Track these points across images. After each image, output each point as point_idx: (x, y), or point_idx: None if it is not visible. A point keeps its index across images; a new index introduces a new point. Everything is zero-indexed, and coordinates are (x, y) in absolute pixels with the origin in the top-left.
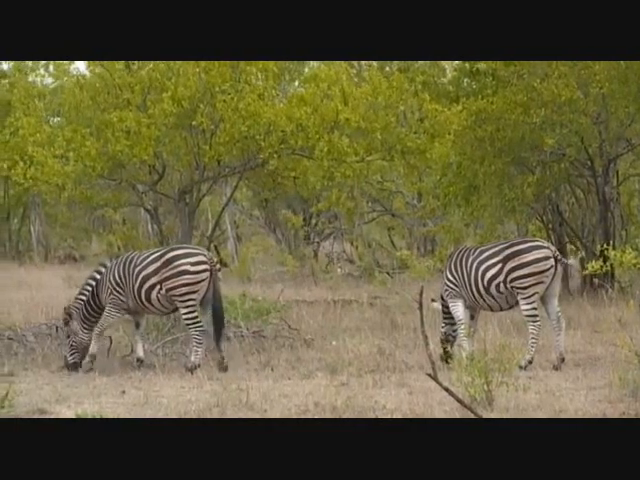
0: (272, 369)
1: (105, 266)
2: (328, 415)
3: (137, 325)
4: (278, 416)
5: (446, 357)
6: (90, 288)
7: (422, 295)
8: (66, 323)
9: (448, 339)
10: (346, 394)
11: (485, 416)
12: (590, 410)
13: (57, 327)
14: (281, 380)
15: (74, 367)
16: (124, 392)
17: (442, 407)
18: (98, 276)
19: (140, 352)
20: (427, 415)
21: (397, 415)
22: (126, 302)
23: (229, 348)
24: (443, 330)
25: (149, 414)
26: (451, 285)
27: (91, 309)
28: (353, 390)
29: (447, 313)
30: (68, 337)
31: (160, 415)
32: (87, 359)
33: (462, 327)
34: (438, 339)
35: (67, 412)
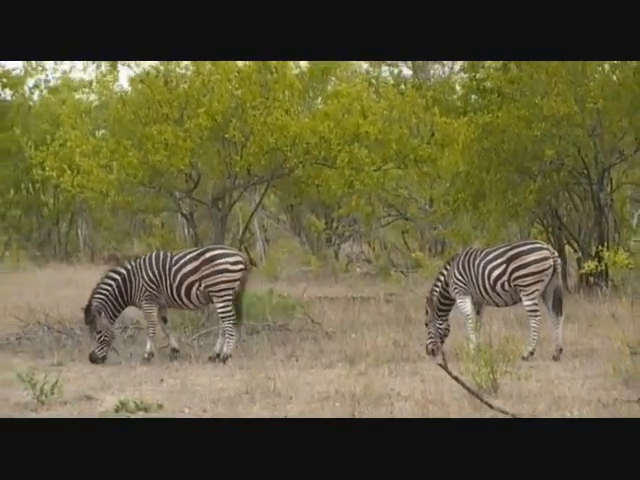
0: (297, 359)
1: (125, 267)
2: (348, 401)
3: (164, 320)
4: (302, 402)
5: (429, 350)
6: (109, 287)
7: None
8: (91, 321)
9: (437, 334)
10: (364, 382)
11: (491, 402)
12: (586, 397)
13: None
14: (305, 369)
15: (102, 360)
16: (162, 380)
17: (452, 394)
18: (116, 276)
19: (174, 343)
20: (437, 401)
21: (410, 401)
22: (159, 298)
23: (258, 340)
24: (431, 326)
25: (185, 400)
26: (460, 283)
27: (118, 305)
28: (370, 378)
29: (440, 310)
30: (99, 333)
31: (195, 401)
32: (145, 355)
33: (470, 321)
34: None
35: (110, 399)
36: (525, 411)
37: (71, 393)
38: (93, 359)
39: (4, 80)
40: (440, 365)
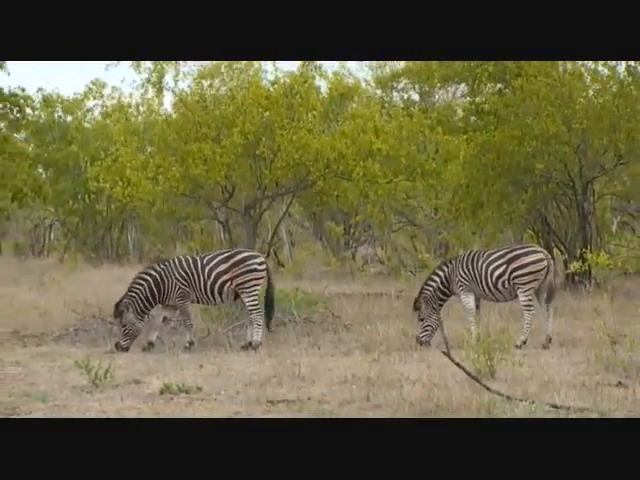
0: (319, 348)
1: (155, 270)
2: (363, 384)
3: (164, 319)
4: (324, 385)
5: (423, 341)
6: (140, 287)
7: None
8: (119, 316)
9: (433, 326)
10: (377, 368)
11: (489, 385)
12: (572, 381)
13: (150, 314)
14: (326, 357)
15: (125, 350)
16: (201, 366)
17: (454, 378)
18: (147, 277)
19: (153, 338)
20: (442, 385)
21: (418, 384)
22: (191, 294)
23: (285, 331)
24: (428, 320)
25: (221, 384)
26: (464, 281)
27: (148, 303)
28: (383, 364)
29: (437, 304)
30: (124, 326)
31: (230, 384)
32: (187, 344)
33: (471, 315)
34: (448, 324)
35: (156, 382)
36: (518, 393)
37: (121, 377)
38: (118, 348)
39: (65, 104)
40: (444, 353)
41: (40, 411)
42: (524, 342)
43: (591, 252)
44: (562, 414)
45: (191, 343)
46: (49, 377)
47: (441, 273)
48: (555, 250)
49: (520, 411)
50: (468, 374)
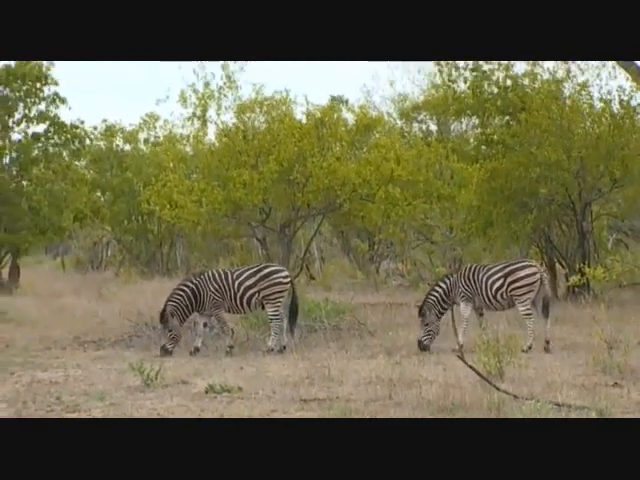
0: (346, 352)
1: (192, 282)
2: (386, 384)
3: (205, 325)
4: (351, 385)
5: (424, 345)
6: (180, 296)
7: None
8: (165, 322)
9: (434, 332)
10: (399, 370)
11: (498, 385)
12: (572, 381)
13: (194, 322)
14: (353, 360)
15: (170, 354)
16: (242, 368)
17: (467, 379)
18: (186, 288)
19: (199, 344)
20: (456, 385)
21: (435, 384)
22: (223, 303)
23: (316, 337)
24: (431, 326)
25: (259, 384)
26: (466, 292)
27: (187, 310)
28: (404, 367)
29: (439, 312)
30: (170, 332)
31: (268, 384)
32: (227, 349)
33: (465, 323)
34: (461, 331)
35: (201, 382)
36: (525, 392)
37: (171, 378)
38: (163, 351)
39: (125, 134)
40: (458, 356)
41: (98, 409)
42: (530, 347)
43: (589, 267)
44: (564, 411)
45: (231, 347)
46: (106, 378)
47: (443, 285)
48: (557, 265)
49: (526, 408)
50: (480, 375)
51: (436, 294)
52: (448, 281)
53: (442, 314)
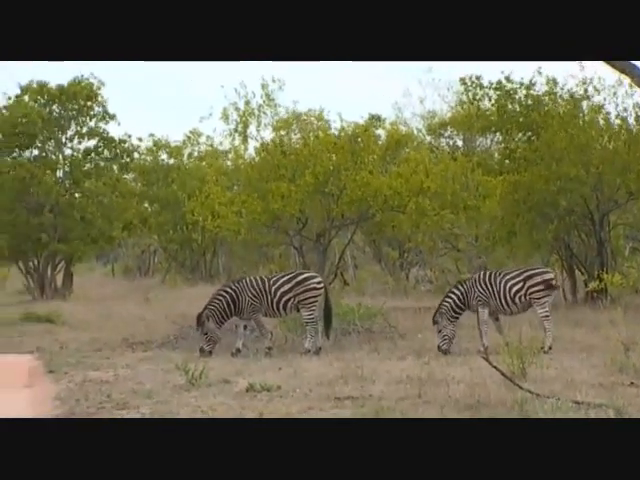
0: (378, 353)
1: (230, 288)
2: (415, 384)
3: (245, 327)
4: (382, 384)
5: (443, 350)
6: (219, 301)
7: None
8: (202, 325)
9: (451, 336)
10: (427, 370)
11: (521, 384)
12: (591, 381)
13: (235, 325)
14: (384, 360)
15: (209, 354)
16: (280, 368)
17: (491, 378)
18: (225, 294)
19: (240, 345)
20: (481, 384)
21: (461, 384)
22: (261, 308)
23: (349, 339)
24: (445, 331)
25: (297, 383)
26: (483, 297)
27: (225, 314)
28: (432, 367)
29: (454, 317)
30: (206, 334)
31: (304, 383)
32: (266, 350)
33: (485, 326)
34: (483, 334)
35: (242, 382)
36: (546, 391)
37: (214, 377)
38: (202, 352)
39: (171, 149)
40: (483, 358)
41: (146, 406)
42: (550, 348)
43: (607, 273)
44: (583, 409)
45: (269, 348)
46: (153, 377)
47: (457, 292)
48: (576, 271)
49: (547, 406)
50: (503, 375)
51: (450, 300)
52: (462, 287)
53: (455, 319)
